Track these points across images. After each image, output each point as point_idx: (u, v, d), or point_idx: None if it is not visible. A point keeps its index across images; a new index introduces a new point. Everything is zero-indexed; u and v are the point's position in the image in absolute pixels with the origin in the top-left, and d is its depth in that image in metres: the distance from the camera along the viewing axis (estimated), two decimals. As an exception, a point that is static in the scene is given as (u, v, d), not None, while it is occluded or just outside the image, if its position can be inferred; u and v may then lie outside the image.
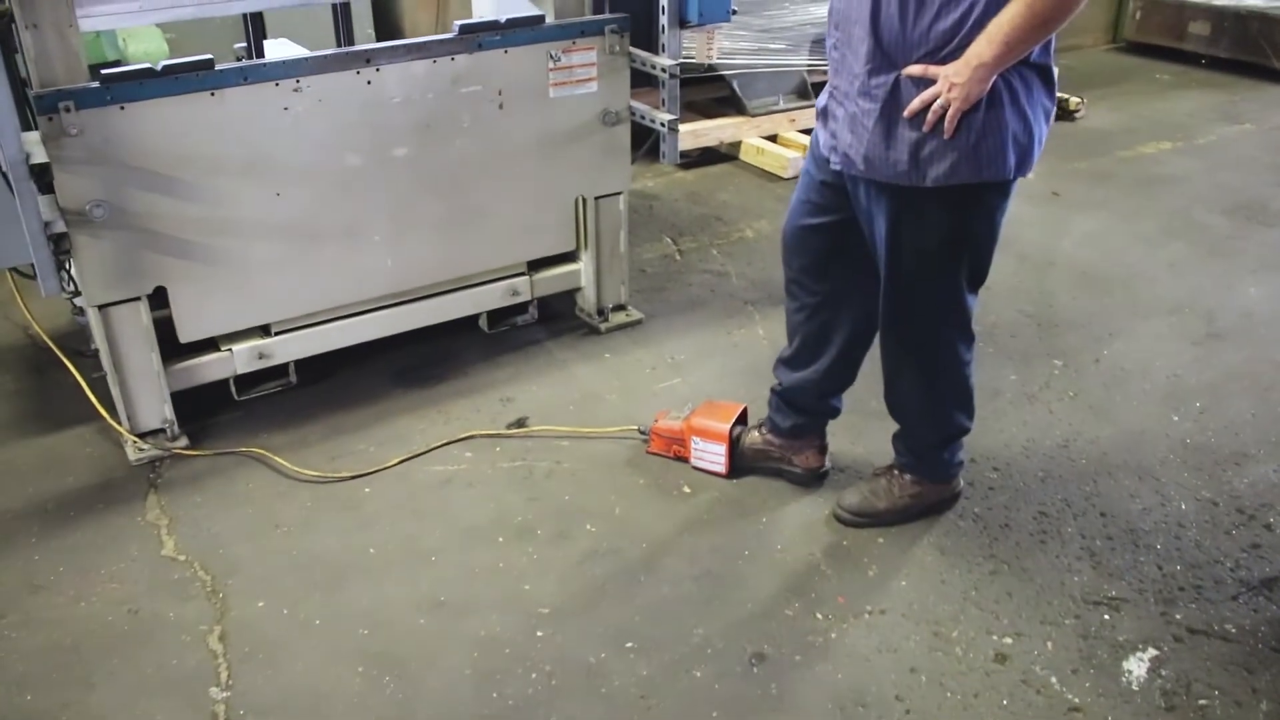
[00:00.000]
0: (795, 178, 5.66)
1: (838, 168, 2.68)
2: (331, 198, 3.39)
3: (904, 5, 2.41)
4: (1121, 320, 4.22)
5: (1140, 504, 3.16)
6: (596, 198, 3.88)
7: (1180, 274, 4.63)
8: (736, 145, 5.98)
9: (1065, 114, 6.69)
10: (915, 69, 2.43)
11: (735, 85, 5.92)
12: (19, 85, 3.08)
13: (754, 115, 6.01)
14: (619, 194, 3.94)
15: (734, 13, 3.73)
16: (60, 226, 3.01)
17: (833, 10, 2.62)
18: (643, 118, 3.84)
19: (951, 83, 2.38)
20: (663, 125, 3.75)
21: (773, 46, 5.94)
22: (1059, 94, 2.65)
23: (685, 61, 4.40)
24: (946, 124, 2.42)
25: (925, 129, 2.45)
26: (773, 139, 6.03)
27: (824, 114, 2.73)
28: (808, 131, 6.06)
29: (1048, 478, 3.28)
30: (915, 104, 2.44)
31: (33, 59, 2.96)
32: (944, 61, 2.40)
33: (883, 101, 2.50)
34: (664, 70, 3.71)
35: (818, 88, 6.40)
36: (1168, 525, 3.07)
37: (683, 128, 5.27)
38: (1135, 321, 4.21)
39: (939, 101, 2.41)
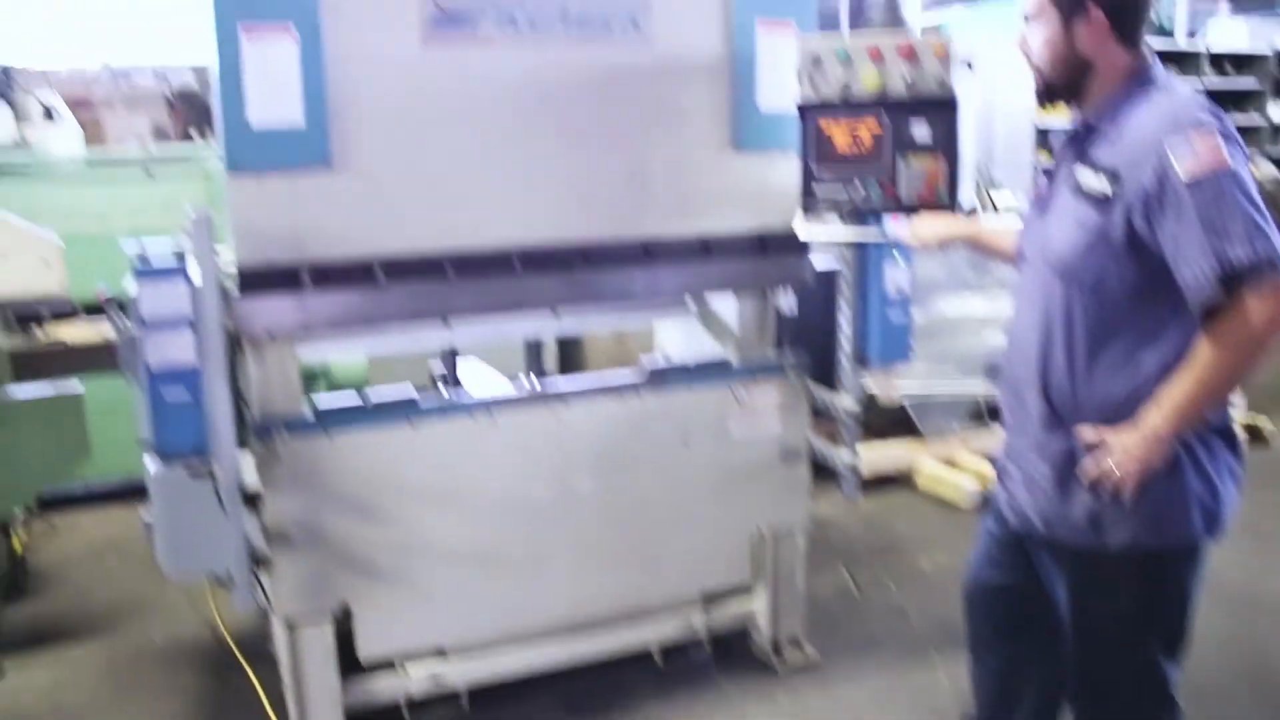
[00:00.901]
0: (973, 506, 5.60)
1: (1017, 526, 2.62)
2: (516, 526, 3.47)
3: (1073, 368, 2.40)
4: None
5: None
6: (774, 532, 3.86)
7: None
8: (912, 471, 5.92)
9: (1257, 438, 6.42)
10: (1089, 433, 2.39)
11: (911, 411, 5.94)
12: (240, 407, 3.31)
13: (930, 441, 5.99)
14: (797, 529, 3.91)
15: (913, 351, 3.81)
16: (261, 545, 3.14)
17: (1002, 370, 2.63)
18: (821, 455, 3.85)
19: (1127, 450, 2.32)
20: (843, 464, 3.75)
21: (949, 372, 5.98)
22: (1250, 417, 2.55)
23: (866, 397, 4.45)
24: (1125, 491, 2.35)
25: (1101, 494, 2.38)
26: (949, 465, 5.97)
27: (1000, 472, 2.70)
28: (985, 458, 5.98)
29: None
30: (1091, 469, 2.39)
31: (254, 386, 3.21)
32: (1119, 425, 2.36)
33: (1058, 464, 2.46)
34: (844, 410, 3.74)
35: (995, 413, 6.42)
36: None
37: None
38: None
39: (1114, 467, 2.35)
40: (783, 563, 3.92)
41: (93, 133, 9.00)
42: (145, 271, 2.83)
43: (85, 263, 4.85)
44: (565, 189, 3.36)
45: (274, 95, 2.95)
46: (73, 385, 4.11)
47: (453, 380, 4.02)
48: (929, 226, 3.07)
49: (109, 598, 4.80)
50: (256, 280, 3.06)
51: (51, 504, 5.52)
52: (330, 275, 3.12)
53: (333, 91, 3.02)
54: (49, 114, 8.13)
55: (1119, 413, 2.36)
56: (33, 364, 5.36)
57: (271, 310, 3.08)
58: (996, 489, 2.74)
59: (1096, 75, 2.42)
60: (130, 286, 2.89)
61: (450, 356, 4.07)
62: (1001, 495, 2.69)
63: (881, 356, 3.74)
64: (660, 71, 3.40)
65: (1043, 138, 10.05)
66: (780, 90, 3.46)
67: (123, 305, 3.04)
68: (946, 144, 3.09)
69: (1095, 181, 2.35)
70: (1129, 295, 2.34)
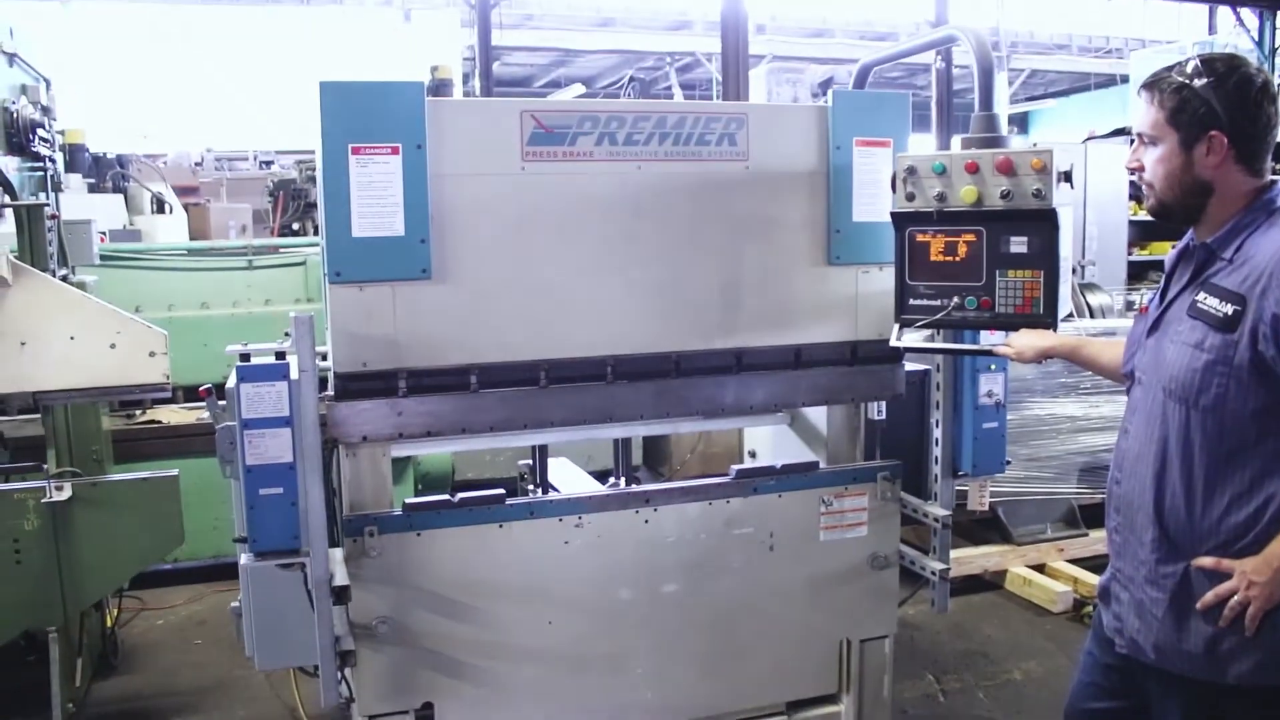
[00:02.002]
0: (1065, 613, 5.46)
1: (1124, 651, 2.54)
2: (600, 629, 3.44)
3: (1191, 495, 2.34)
4: None
5: None
6: (861, 640, 3.78)
7: None
8: (1001, 574, 5.80)
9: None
10: (1208, 561, 2.32)
11: (1001, 512, 5.82)
12: (333, 505, 3.35)
13: (1020, 544, 5.86)
14: (884, 637, 3.82)
15: (1008, 464, 3.73)
16: (348, 640, 3.16)
17: (1112, 494, 2.57)
18: (912, 563, 3.79)
19: (1251, 580, 2.25)
20: (933, 574, 3.68)
21: (1040, 474, 5.87)
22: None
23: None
24: (1248, 622, 2.27)
25: (1222, 624, 2.30)
26: (1040, 569, 5.82)
27: (1106, 594, 2.63)
28: (1077, 562, 5.84)
29: None
30: (1210, 599, 2.31)
31: (347, 482, 3.26)
32: (1239, 554, 2.29)
33: (1172, 591, 2.39)
34: (936, 520, 3.68)
35: (1087, 516, 6.30)
36: None
37: (963, 552, 5.17)
38: None
39: (1236, 598, 2.27)
40: (869, 672, 3.82)
41: (197, 219, 9.36)
42: (247, 370, 2.90)
43: (185, 347, 5.01)
44: (659, 300, 3.39)
45: (378, 210, 3.05)
46: (168, 470, 4.19)
47: (541, 478, 4.05)
48: (1027, 340, 3.03)
49: (194, 678, 4.89)
50: (353, 385, 3.12)
51: (143, 580, 5.63)
52: (426, 382, 3.18)
53: (435, 205, 3.10)
54: (159, 205, 8.48)
55: (1241, 542, 2.29)
56: (131, 445, 5.56)
57: (367, 415, 3.13)
58: (1100, 611, 2.66)
59: (1217, 198, 2.38)
60: (232, 383, 2.96)
61: (539, 453, 4.10)
62: (1108, 619, 2.62)
63: (975, 468, 3.66)
64: (756, 186, 3.43)
65: (1138, 231, 9.93)
66: (875, 204, 3.48)
67: (222, 395, 3.12)
68: (1045, 257, 3.05)
69: (1218, 305, 2.30)
70: (1253, 420, 2.28)
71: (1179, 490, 2.36)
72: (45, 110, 4.58)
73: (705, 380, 3.45)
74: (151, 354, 4.01)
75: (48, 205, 4.26)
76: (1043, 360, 3.08)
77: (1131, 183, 8.88)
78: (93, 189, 8.44)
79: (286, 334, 2.95)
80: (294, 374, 2.90)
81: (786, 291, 3.51)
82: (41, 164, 4.37)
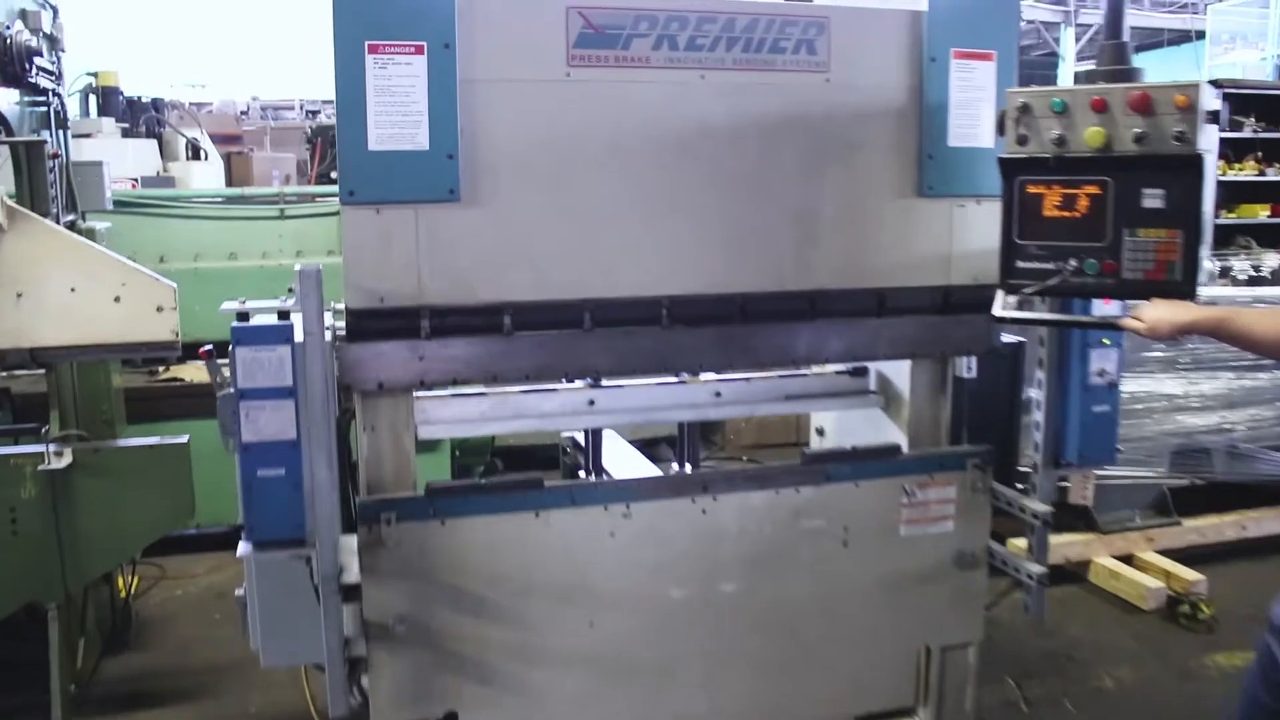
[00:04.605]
0: (1157, 610, 5.00)
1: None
2: (648, 631, 3.09)
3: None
4: None
5: None
6: (942, 648, 3.38)
7: None
8: (1085, 564, 5.35)
9: None
10: None
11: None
12: (347, 486, 2.98)
13: (1106, 532, 5.39)
14: (968, 645, 3.40)
15: (1120, 452, 3.27)
16: (359, 644, 2.80)
17: None
18: (1004, 563, 3.34)
19: None
20: (1029, 577, 3.22)
21: (1130, 456, 5.37)
22: None
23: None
24: None
25: None
26: (1127, 560, 5.36)
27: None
28: (1168, 554, 5.36)
29: None
30: None
31: (364, 461, 2.91)
32: None
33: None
34: (1035, 516, 3.22)
35: (1180, 502, 5.81)
36: None
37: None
38: None
39: None
40: (950, 682, 3.41)
41: (240, 168, 9.04)
42: (244, 332, 2.50)
43: (212, 299, 4.65)
44: (722, 233, 3.01)
45: (398, 120, 2.67)
46: (178, 437, 3.84)
47: (592, 464, 3.66)
48: (1162, 313, 2.56)
49: (210, 657, 4.58)
50: (369, 324, 2.77)
51: (164, 546, 5.34)
52: (451, 321, 2.82)
53: (464, 116, 2.73)
54: (195, 152, 8.15)
55: None
56: (152, 404, 5.23)
57: (385, 359, 2.79)
58: (1272, 646, 2.23)
59: None
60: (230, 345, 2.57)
61: (591, 435, 3.72)
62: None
63: (1082, 456, 3.21)
64: (837, 103, 3.03)
65: (1226, 192, 9.33)
66: (975, 127, 3.08)
67: (225, 355, 2.74)
68: (1185, 213, 2.56)
69: None
70: None
71: None
72: (51, 40, 4.20)
73: (775, 328, 3.09)
74: (159, 309, 3.65)
75: (46, 142, 3.87)
76: (1179, 337, 2.61)
77: (1221, 140, 8.29)
78: (127, 134, 8.11)
79: (290, 290, 2.54)
80: (298, 336, 2.50)
81: (870, 227, 3.13)
82: (45, 98, 4.00)
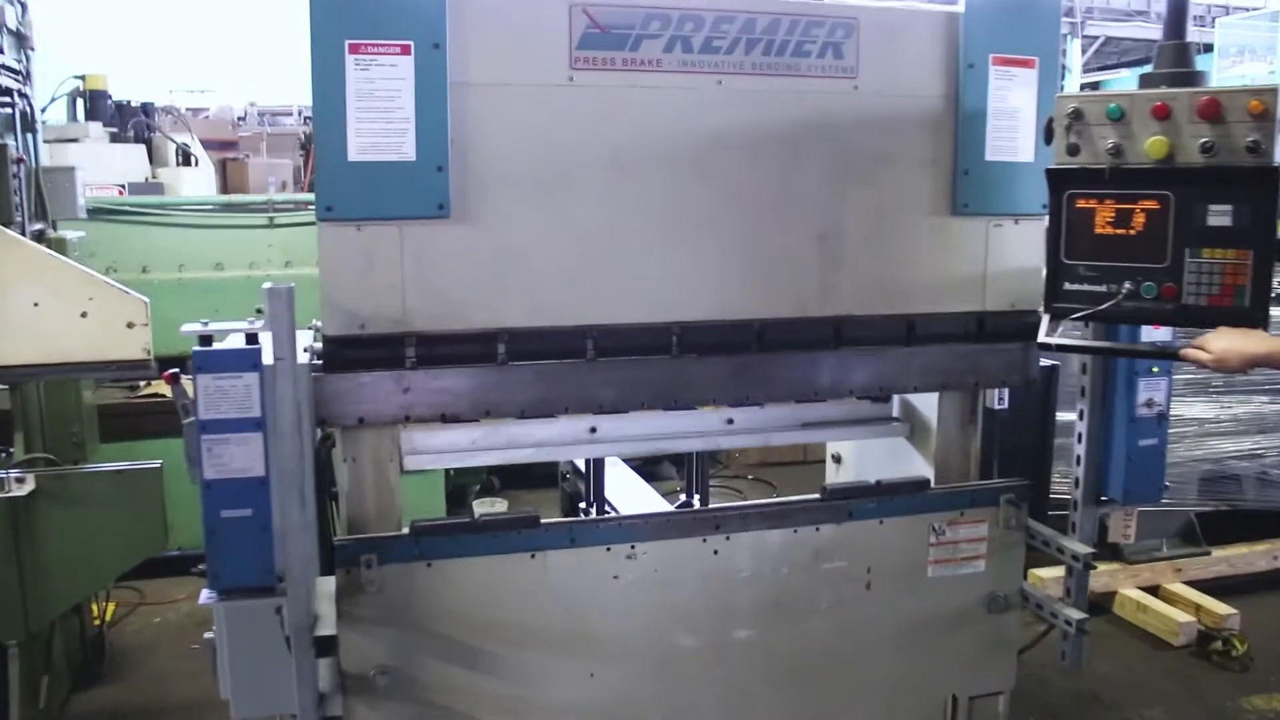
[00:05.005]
0: (1187, 647, 4.75)
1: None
2: (653, 683, 2.85)
3: None
4: None
5: None
6: (971, 698, 3.14)
7: None
8: (1109, 595, 5.12)
9: None
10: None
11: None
12: (327, 522, 2.74)
13: (1132, 562, 5.16)
14: (999, 694, 3.17)
15: (1167, 488, 3.03)
16: (335, 702, 2.57)
17: None
18: (1039, 607, 3.09)
19: None
20: (1069, 624, 2.97)
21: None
22: None
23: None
24: None
25: None
26: (1153, 590, 5.13)
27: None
28: (1196, 585, 5.11)
29: None
30: None
31: (345, 495, 2.69)
32: None
33: None
34: (1075, 558, 2.97)
35: (1208, 531, 5.57)
36: None
37: (1044, 572, 4.50)
38: None
39: None
40: (978, 733, 3.17)
41: (235, 175, 8.81)
42: (206, 358, 2.25)
43: (196, 312, 4.43)
44: (738, 254, 2.82)
45: (382, 127, 2.46)
46: (150, 461, 3.62)
47: (594, 493, 3.41)
48: (1230, 343, 2.31)
49: (189, 691, 4.38)
50: (349, 353, 2.55)
51: (143, 570, 5.11)
52: (440, 350, 2.62)
53: (456, 123, 2.53)
54: (185, 158, 7.92)
55: None
56: (132, 420, 4.99)
57: (365, 392, 2.58)
58: None
59: None
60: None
61: (593, 467, 3.48)
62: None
63: (1127, 494, 2.97)
64: (866, 112, 2.84)
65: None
66: (1014, 140, 2.88)
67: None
68: (1257, 233, 2.32)
69: None
70: None
71: None
72: (19, 37, 3.96)
73: (795, 357, 2.89)
74: (130, 324, 3.44)
75: (6, 146, 3.62)
76: (1248, 370, 2.36)
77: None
78: (115, 139, 7.88)
79: (259, 310, 2.29)
80: (267, 360, 2.25)
81: (899, 248, 2.95)
82: (9, 99, 3.76)
